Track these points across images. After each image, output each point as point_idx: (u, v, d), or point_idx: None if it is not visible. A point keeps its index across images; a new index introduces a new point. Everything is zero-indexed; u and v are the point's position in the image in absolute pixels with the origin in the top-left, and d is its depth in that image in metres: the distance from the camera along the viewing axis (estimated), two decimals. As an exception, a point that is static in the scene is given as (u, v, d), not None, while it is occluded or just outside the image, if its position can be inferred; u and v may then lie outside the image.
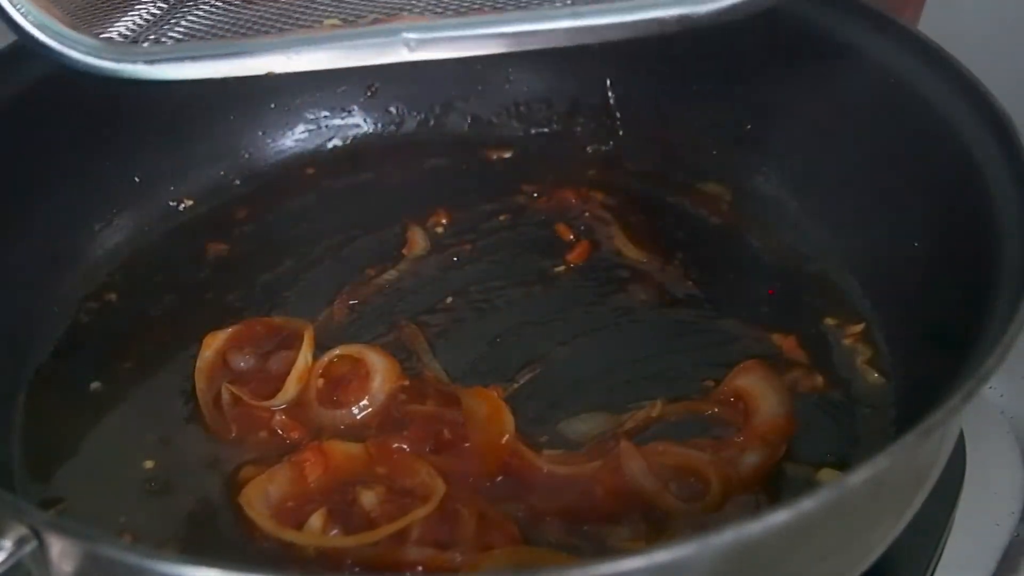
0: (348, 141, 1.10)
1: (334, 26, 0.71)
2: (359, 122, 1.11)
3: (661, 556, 0.54)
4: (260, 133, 1.07)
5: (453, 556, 0.71)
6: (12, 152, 0.88)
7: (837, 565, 0.67)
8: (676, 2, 0.66)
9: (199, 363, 0.86)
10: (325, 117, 1.10)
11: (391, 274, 0.96)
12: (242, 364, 0.86)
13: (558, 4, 0.67)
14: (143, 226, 1.00)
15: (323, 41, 0.69)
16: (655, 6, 0.66)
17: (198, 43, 0.72)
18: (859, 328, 0.88)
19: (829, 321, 0.89)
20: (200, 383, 0.85)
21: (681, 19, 0.66)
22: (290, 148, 1.08)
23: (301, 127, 1.09)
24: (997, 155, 0.77)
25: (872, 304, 0.90)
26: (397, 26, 0.68)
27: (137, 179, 1.00)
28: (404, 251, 0.98)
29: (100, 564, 0.57)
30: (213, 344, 0.86)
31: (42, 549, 0.57)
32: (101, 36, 0.74)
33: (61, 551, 0.57)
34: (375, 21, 0.70)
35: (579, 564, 0.55)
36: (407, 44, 0.67)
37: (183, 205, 1.02)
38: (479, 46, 0.67)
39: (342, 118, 1.10)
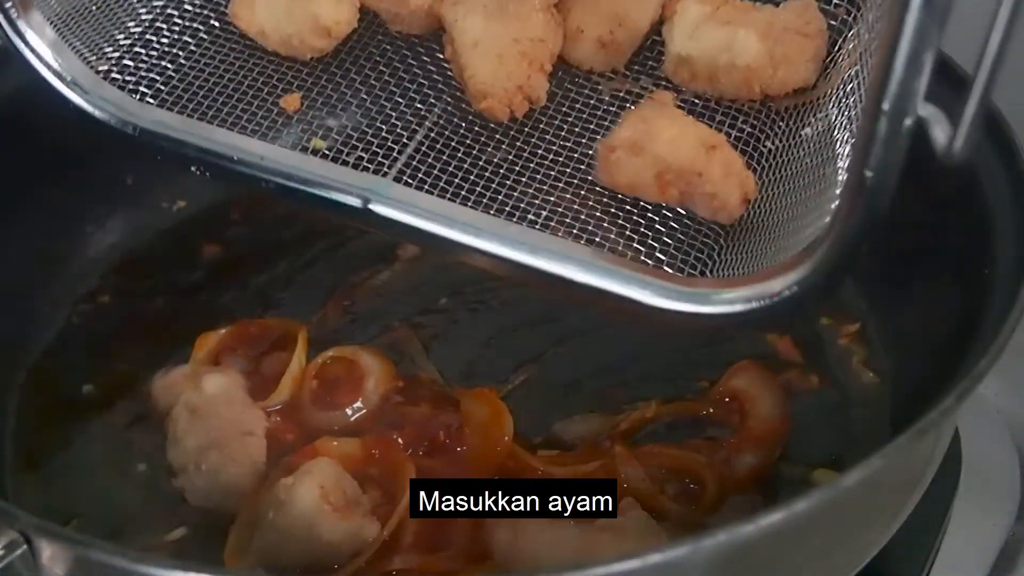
0: (342, 142, 1.09)
1: (317, 152, 0.71)
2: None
3: (655, 558, 0.54)
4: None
5: (446, 561, 0.71)
6: (4, 154, 0.88)
7: (833, 565, 0.67)
8: (650, 288, 0.63)
9: (192, 365, 0.85)
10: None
11: (385, 275, 0.95)
12: (235, 366, 0.85)
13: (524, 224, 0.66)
14: (136, 228, 0.99)
15: (299, 174, 0.69)
16: (622, 279, 0.63)
17: (189, 125, 0.74)
18: (854, 328, 0.88)
19: (824, 321, 0.89)
20: (193, 385, 0.84)
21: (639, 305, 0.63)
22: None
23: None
24: (994, 157, 0.77)
25: (867, 304, 0.89)
26: (377, 187, 0.68)
27: (129, 181, 0.99)
28: (398, 252, 0.97)
29: (90, 568, 0.57)
30: (206, 346, 0.86)
31: (32, 553, 0.57)
32: (98, 68, 0.75)
33: (51, 555, 0.57)
34: (359, 161, 0.70)
35: (575, 566, 0.54)
36: (372, 209, 0.67)
37: (176, 206, 1.02)
38: (438, 234, 0.67)
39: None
